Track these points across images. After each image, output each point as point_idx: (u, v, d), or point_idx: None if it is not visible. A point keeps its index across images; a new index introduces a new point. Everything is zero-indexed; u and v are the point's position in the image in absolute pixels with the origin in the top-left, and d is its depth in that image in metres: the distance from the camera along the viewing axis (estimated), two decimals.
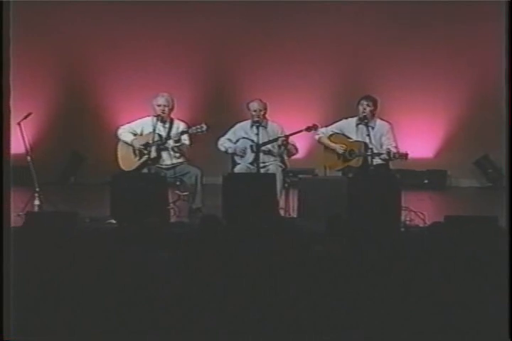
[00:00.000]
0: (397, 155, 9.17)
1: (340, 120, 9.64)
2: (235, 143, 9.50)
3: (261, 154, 9.26)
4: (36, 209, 9.18)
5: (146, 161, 9.21)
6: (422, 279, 5.41)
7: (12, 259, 5.46)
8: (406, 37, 12.26)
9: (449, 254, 5.82)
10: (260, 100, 9.53)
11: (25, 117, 9.58)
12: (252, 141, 9.35)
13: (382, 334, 5.16)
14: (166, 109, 9.28)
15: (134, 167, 9.27)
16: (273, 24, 12.28)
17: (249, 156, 9.37)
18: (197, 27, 12.28)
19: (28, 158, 9.52)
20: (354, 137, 9.42)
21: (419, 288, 5.34)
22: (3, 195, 5.40)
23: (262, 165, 9.25)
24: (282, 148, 9.39)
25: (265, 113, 9.49)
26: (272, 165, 9.38)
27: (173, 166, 9.30)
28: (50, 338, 5.16)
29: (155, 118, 9.27)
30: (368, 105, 9.36)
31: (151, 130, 9.27)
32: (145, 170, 9.20)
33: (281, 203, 9.21)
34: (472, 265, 5.63)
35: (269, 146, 9.37)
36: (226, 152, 9.51)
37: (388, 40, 12.27)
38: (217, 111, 11.80)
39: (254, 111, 9.44)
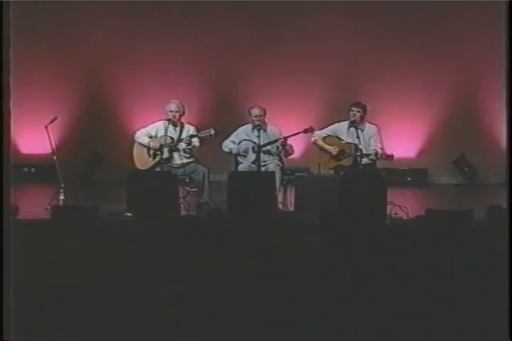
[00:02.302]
0: (383, 156, 9.20)
1: (333, 123, 9.66)
2: (238, 144, 9.50)
3: (261, 154, 9.27)
4: (61, 203, 9.19)
5: (159, 161, 9.24)
6: (407, 268, 5.37)
7: (34, 249, 5.38)
8: (392, 49, 12.26)
9: (431, 244, 5.81)
10: (260, 106, 9.54)
11: (52, 121, 9.57)
12: (254, 142, 9.35)
13: (381, 334, 5.01)
14: (177, 114, 9.31)
15: (148, 166, 9.29)
16: (273, 38, 12.30)
17: (251, 156, 9.38)
18: (206, 41, 12.29)
19: (54, 157, 9.52)
20: (345, 139, 9.44)
21: (406, 277, 5.28)
22: (3, 194, 5.03)
23: (262, 164, 9.26)
24: (281, 148, 9.39)
25: (264, 117, 9.50)
26: (271, 164, 9.38)
27: (183, 165, 9.32)
28: (50, 338, 4.97)
29: (167, 123, 9.30)
30: (358, 111, 9.38)
31: (164, 133, 9.29)
32: (158, 169, 9.23)
33: (280, 198, 9.21)
34: (451, 254, 5.62)
35: (268, 147, 9.37)
36: (230, 153, 9.52)
37: (376, 51, 12.25)
38: (221, 116, 11.79)
39: (255, 116, 9.45)
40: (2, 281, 4.82)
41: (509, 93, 5.79)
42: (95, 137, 12.39)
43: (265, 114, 9.49)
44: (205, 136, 9.21)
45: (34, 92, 12.32)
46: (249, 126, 9.53)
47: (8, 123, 5.17)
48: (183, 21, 12.30)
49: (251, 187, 8.78)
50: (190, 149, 9.24)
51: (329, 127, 9.62)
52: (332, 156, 9.42)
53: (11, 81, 4.96)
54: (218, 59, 12.37)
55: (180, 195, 9.14)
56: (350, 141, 9.35)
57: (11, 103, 5.01)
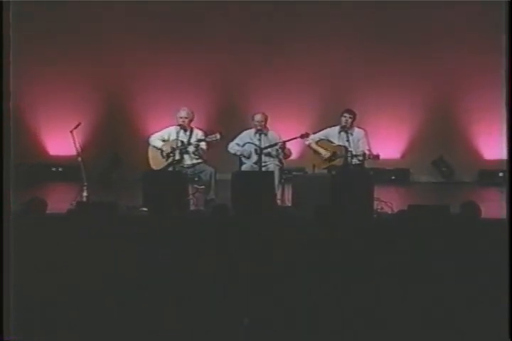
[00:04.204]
0: (371, 156, 9.19)
1: (325, 128, 9.65)
2: (242, 146, 9.49)
3: (263, 156, 9.25)
4: (84, 199, 9.18)
5: (171, 162, 9.23)
6: (393, 258, 5.32)
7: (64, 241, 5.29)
8: (378, 62, 12.25)
9: (413, 235, 5.80)
10: (263, 113, 9.54)
11: (76, 127, 9.55)
12: (256, 145, 9.34)
13: (379, 331, 4.82)
14: (187, 120, 9.30)
15: (161, 166, 9.28)
16: (274, 54, 12.32)
17: (253, 157, 9.37)
18: (214, 56, 12.31)
19: (79, 158, 9.51)
20: (336, 142, 9.43)
21: (393, 266, 5.21)
22: (3, 194, 4.63)
23: (263, 164, 9.23)
24: (280, 151, 9.38)
25: (266, 123, 9.49)
26: (271, 164, 9.37)
27: (193, 166, 9.31)
28: (50, 338, 4.69)
29: (178, 128, 9.30)
30: (350, 117, 9.38)
31: (175, 137, 9.28)
32: (170, 169, 9.22)
33: (279, 195, 9.19)
34: (430, 243, 5.60)
35: (269, 149, 9.36)
36: (235, 154, 9.52)
37: (363, 65, 12.26)
38: (227, 121, 11.77)
39: (257, 121, 9.44)
40: (2, 281, 4.48)
41: (509, 93, 5.44)
42: (115, 141, 12.41)
43: (266, 120, 9.49)
44: (212, 141, 9.20)
45: (61, 101, 12.34)
46: (252, 131, 9.52)
47: (8, 123, 4.71)
48: (193, 37, 12.32)
49: (253, 185, 8.77)
50: (198, 152, 9.23)
51: (321, 132, 9.61)
52: (325, 158, 9.42)
53: (11, 81, 4.65)
54: (225, 71, 12.38)
55: (190, 192, 9.13)
56: (340, 143, 9.34)
57: (10, 103, 4.68)
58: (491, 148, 12.41)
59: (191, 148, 9.21)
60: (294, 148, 9.84)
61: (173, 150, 9.22)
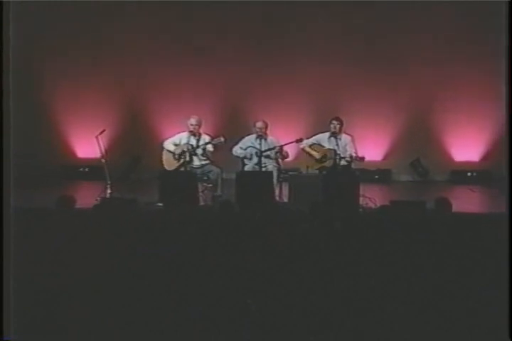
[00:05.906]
0: (357, 158, 9.19)
1: (317, 134, 9.66)
2: (245, 150, 9.49)
3: (263, 158, 9.26)
4: (108, 196, 9.19)
5: (183, 163, 9.23)
6: (377, 247, 5.30)
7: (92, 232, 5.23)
8: (366, 75, 12.26)
9: (394, 227, 5.80)
10: (263, 120, 9.55)
11: (101, 133, 9.58)
12: (257, 148, 9.34)
13: (377, 328, 4.46)
14: (196, 126, 9.31)
15: (174, 167, 9.28)
16: (274, 68, 12.33)
17: (255, 159, 9.37)
18: (221, 70, 12.32)
19: (103, 160, 9.53)
20: (327, 145, 9.44)
21: (377, 256, 5.17)
22: (3, 193, 4.18)
23: (263, 165, 9.25)
24: (278, 154, 9.39)
25: (266, 129, 9.49)
26: (270, 165, 9.38)
27: (202, 166, 9.32)
28: (50, 338, 4.25)
29: (189, 133, 9.31)
30: (338, 124, 9.40)
31: (185, 141, 9.30)
32: (182, 169, 9.23)
33: (277, 192, 9.21)
34: (408, 235, 5.60)
35: (268, 152, 9.36)
36: (238, 156, 9.52)
37: (353, 78, 12.27)
38: (232, 127, 11.77)
39: (259, 128, 9.44)
40: (2, 280, 4.07)
41: (509, 93, 5.11)
42: (134, 145, 12.42)
43: (266, 126, 9.50)
44: (217, 143, 9.21)
45: (88, 110, 12.37)
46: (253, 136, 9.53)
47: (8, 123, 4.27)
48: (204, 52, 12.34)
49: (254, 184, 8.78)
50: (205, 154, 9.25)
51: (314, 137, 9.62)
52: (317, 159, 9.43)
53: (10, 81, 4.36)
54: (230, 84, 12.40)
55: (200, 190, 9.14)
56: (330, 147, 9.36)
57: (10, 103, 4.31)
58: (461, 152, 12.44)
59: (199, 151, 9.23)
60: (290, 151, 9.84)
61: (183, 152, 9.23)
